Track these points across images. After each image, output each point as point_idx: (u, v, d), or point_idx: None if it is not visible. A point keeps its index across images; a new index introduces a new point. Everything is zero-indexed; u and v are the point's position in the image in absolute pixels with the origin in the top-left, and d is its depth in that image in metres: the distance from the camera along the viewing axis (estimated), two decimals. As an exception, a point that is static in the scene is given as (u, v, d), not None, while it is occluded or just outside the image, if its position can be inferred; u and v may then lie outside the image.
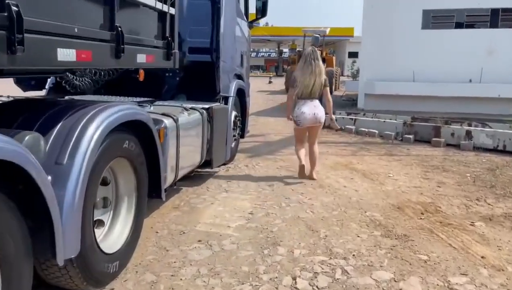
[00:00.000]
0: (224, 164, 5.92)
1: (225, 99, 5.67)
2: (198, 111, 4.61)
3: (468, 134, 7.72)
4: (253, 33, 30.91)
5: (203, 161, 4.82)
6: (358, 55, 18.58)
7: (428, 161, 6.65)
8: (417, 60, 11.78)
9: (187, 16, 5.20)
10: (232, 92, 5.77)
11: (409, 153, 7.28)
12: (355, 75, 17.92)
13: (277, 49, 57.98)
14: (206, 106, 4.89)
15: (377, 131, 8.82)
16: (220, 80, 5.20)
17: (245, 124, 6.90)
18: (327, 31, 23.02)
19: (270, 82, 31.89)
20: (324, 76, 5.52)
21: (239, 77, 6.52)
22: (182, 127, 3.97)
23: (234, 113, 6.11)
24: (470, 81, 11.61)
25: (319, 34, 22.14)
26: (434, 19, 11.91)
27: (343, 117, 9.78)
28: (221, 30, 5.23)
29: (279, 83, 26.88)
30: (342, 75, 33.56)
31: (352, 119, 9.53)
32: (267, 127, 10.12)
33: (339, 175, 5.72)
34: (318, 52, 5.73)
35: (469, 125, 8.29)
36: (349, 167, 6.19)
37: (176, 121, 3.89)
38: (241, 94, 6.56)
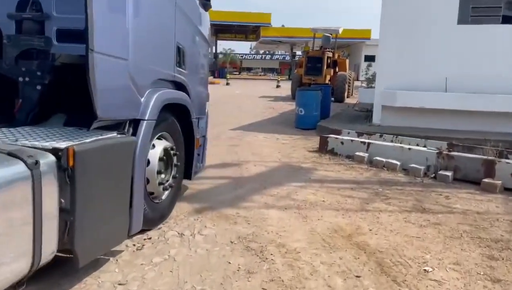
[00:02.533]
0: (144, 231, 3.48)
1: (136, 125, 3.21)
2: (24, 161, 2.15)
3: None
4: (264, 34, 28.26)
5: (50, 255, 2.38)
6: (375, 58, 16.03)
7: (486, 227, 4.05)
8: (450, 64, 9.15)
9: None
10: (147, 112, 3.29)
11: (450, 207, 4.69)
12: (370, 81, 15.24)
13: (290, 51, 55.73)
14: (63, 145, 2.44)
15: (399, 163, 6.24)
16: (97, 90, 2.67)
17: (193, 160, 4.41)
18: (340, 30, 20.43)
19: (278, 86, 29.39)
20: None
21: (179, 86, 4.07)
22: None
23: (162, 146, 3.65)
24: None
25: (330, 34, 19.58)
26: (475, 12, 9.25)
27: (351, 140, 7.20)
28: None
29: (288, 88, 24.35)
30: (357, 79, 30.88)
31: (364, 143, 6.95)
32: (250, 149, 7.61)
33: (334, 266, 3.16)
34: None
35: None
36: (354, 241, 3.64)
37: None
38: (184, 114, 4.10)
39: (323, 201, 4.73)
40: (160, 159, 3.62)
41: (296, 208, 4.42)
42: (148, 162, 3.43)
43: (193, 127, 4.29)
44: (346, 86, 19.06)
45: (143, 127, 3.22)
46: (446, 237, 3.78)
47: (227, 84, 30.19)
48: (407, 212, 4.43)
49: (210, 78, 36.26)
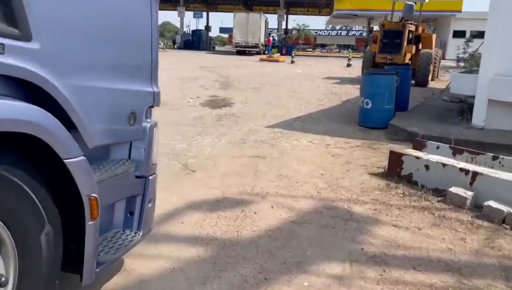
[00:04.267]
0: None
1: None
2: None
3: None
4: (338, 7, 24.49)
5: None
6: (466, 34, 12.33)
7: None
8: None
9: None
10: None
11: None
12: (467, 61, 11.70)
13: (367, 25, 51.12)
14: None
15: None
16: None
17: (85, 246, 1.96)
18: (427, -1, 16.67)
19: (348, 65, 26.01)
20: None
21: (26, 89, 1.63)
22: None
23: None
24: None
25: (414, 3, 15.96)
26: None
27: (443, 164, 4.31)
28: None
29: (359, 67, 21.03)
30: (443, 58, 26.48)
31: (465, 172, 4.06)
32: (281, 164, 5.01)
33: None
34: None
35: None
36: None
37: None
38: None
39: None
40: None
41: None
42: None
43: (76, 178, 1.83)
44: (431, 66, 15.47)
45: None
46: None
47: (292, 62, 27.33)
48: None
49: (276, 55, 33.59)
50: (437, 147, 4.94)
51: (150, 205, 2.57)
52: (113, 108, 2.16)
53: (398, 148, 5.86)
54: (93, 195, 1.92)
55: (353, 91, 12.87)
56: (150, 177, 2.54)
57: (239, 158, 5.27)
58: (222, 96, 10.88)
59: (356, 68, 22.70)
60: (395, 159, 4.67)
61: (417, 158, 4.49)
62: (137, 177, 2.43)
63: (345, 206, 3.85)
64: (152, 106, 2.52)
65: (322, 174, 4.75)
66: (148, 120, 2.51)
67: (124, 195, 2.40)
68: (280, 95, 11.53)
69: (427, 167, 4.36)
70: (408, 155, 4.61)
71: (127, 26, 2.21)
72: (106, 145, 2.22)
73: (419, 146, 5.10)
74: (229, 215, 3.56)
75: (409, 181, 4.47)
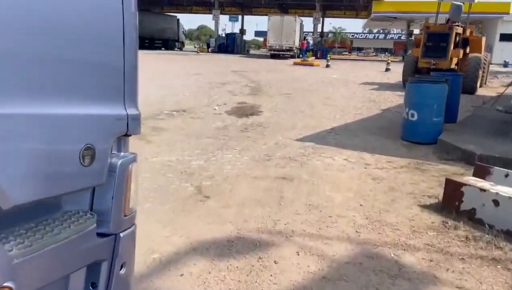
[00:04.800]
0: None
1: None
2: None
3: None
4: (377, 10, 23.37)
5: None
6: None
7: None
8: None
9: None
10: None
11: None
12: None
13: (406, 28, 49.30)
14: None
15: None
16: None
17: None
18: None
19: (387, 69, 24.80)
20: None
21: None
22: None
23: None
24: None
25: (462, 3, 14.73)
26: None
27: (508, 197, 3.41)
28: None
29: (399, 72, 19.86)
30: (491, 63, 24.85)
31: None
32: (311, 190, 4.20)
33: None
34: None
35: None
36: None
37: None
38: None
39: None
40: None
41: None
42: None
43: None
44: (480, 72, 14.20)
45: None
46: None
47: (327, 66, 26.32)
48: None
49: (311, 58, 32.63)
50: (506, 175, 4.00)
51: (123, 271, 1.83)
52: (51, 145, 1.44)
53: (453, 171, 4.94)
54: (6, 285, 1.20)
55: (393, 98, 11.87)
56: (122, 234, 1.80)
57: (262, 180, 4.50)
58: (250, 103, 10.15)
59: (395, 73, 21.56)
60: (453, 189, 3.77)
61: (483, 190, 3.58)
62: (101, 235, 1.71)
63: (392, 254, 3.01)
64: (127, 135, 1.80)
65: (361, 205, 3.92)
66: (122, 153, 1.78)
67: (81, 264, 1.68)
68: (312, 102, 10.69)
69: (496, 202, 3.45)
70: (469, 185, 3.70)
71: (75, 22, 1.49)
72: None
73: (482, 173, 4.16)
74: (242, 264, 2.80)
75: (472, 218, 3.57)
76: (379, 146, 6.27)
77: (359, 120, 8.54)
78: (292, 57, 35.26)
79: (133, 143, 6.31)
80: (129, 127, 1.73)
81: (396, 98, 11.83)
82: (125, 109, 1.70)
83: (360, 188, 4.41)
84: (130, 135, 1.77)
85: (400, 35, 73.72)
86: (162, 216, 3.52)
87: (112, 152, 1.71)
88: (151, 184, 4.25)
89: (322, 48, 43.97)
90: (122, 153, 1.75)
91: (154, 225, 3.32)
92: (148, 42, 47.96)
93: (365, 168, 5.16)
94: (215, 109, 8.92)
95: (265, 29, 40.17)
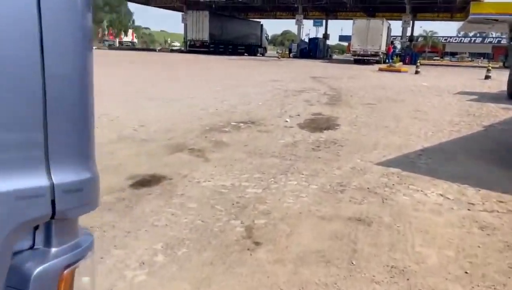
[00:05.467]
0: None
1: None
2: None
3: None
4: (475, 11, 21.02)
5: None
6: None
7: None
8: None
9: None
10: None
11: None
12: None
13: (508, 32, 44.55)
14: None
15: None
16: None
17: None
18: None
19: (487, 77, 22.22)
20: None
21: None
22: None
23: None
24: None
25: None
26: None
27: None
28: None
29: (501, 80, 17.54)
30: None
31: None
32: (393, 248, 3.17)
33: None
34: None
35: None
36: None
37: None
38: None
39: None
40: None
41: None
42: None
43: None
44: None
45: None
46: None
47: (416, 72, 24.27)
48: None
49: (398, 64, 30.49)
50: None
51: None
52: None
53: None
54: None
55: (498, 112, 10.15)
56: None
57: (331, 222, 3.55)
58: (327, 114, 9.16)
59: (497, 81, 19.21)
60: None
61: None
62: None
63: None
64: (53, 218, 0.98)
65: (466, 273, 2.82)
66: (52, 250, 0.97)
67: None
68: (399, 114, 9.41)
69: None
70: None
71: None
72: None
73: None
74: None
75: None
76: (486, 176, 4.98)
77: (456, 138, 7.17)
78: (378, 62, 33.38)
79: (189, 161, 5.44)
80: (57, 206, 0.91)
81: (501, 112, 10.11)
82: (50, 176, 0.88)
83: (464, 242, 3.28)
84: (53, 218, 0.95)
85: (500, 39, 67.67)
86: (196, 270, 2.74)
87: (28, 248, 0.91)
88: (194, 219, 3.50)
89: (411, 53, 41.25)
90: (53, 250, 0.93)
91: (181, 286, 2.55)
92: (232, 47, 48.59)
93: (469, 209, 3.97)
94: (287, 121, 8.08)
95: (350, 34, 38.60)
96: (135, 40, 71.43)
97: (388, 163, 5.44)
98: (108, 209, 3.66)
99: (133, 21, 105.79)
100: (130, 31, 73.32)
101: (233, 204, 3.89)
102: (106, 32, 69.29)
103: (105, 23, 72.04)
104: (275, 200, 4.02)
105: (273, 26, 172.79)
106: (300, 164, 5.24)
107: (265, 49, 57.00)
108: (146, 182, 4.40)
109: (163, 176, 4.59)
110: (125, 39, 69.67)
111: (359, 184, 4.57)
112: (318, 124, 8.01)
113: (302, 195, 4.19)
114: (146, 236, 3.18)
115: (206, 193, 4.15)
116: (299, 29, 48.24)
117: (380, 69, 26.69)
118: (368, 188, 4.46)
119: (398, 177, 4.89)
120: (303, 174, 4.84)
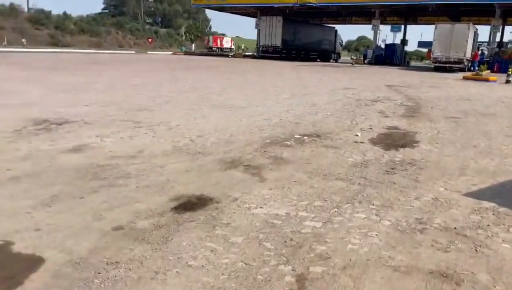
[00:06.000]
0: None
1: None
2: None
3: None
4: None
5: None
6: None
7: None
8: None
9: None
10: None
11: None
12: None
13: None
14: None
15: None
16: None
17: None
18: None
19: None
20: None
21: None
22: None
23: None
24: None
25: None
26: None
27: None
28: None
29: None
30: None
31: None
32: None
33: None
34: None
35: None
36: None
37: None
38: None
39: None
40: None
41: None
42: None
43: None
44: None
45: None
46: None
47: (507, 81, 21.92)
48: None
49: (486, 72, 27.89)
50: None
51: None
52: None
53: None
54: None
55: None
56: None
57: (406, 277, 2.79)
58: (403, 128, 8.19)
59: None
60: None
61: None
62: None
63: None
64: None
65: None
66: None
67: None
68: (489, 131, 8.18)
69: None
70: None
71: None
72: None
73: None
74: None
75: None
76: None
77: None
78: (462, 70, 30.92)
79: (243, 180, 4.59)
80: None
81: None
82: None
83: None
84: None
85: None
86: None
87: None
88: (237, 259, 2.92)
89: (500, 60, 37.78)
90: None
91: None
92: (304, 53, 47.87)
93: None
94: (357, 136, 7.27)
95: (431, 39, 36.19)
96: (233, 47, 73.35)
97: (480, 195, 4.49)
98: (141, 238, 3.19)
99: (210, 27, 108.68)
100: (228, 38, 75.44)
101: (285, 241, 3.25)
102: (184, 38, 71.57)
103: (182, 30, 74.59)
104: (337, 239, 3.32)
105: (348, 32, 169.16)
106: (370, 191, 4.47)
107: (338, 55, 55.54)
108: (190, 205, 3.90)
109: (210, 199, 4.07)
110: (226, 45, 71.66)
111: (443, 223, 3.71)
112: (393, 140, 7.10)
113: (372, 233, 3.44)
114: (176, 281, 2.64)
115: (256, 223, 3.55)
116: (375, 35, 46.31)
117: (465, 78, 24.54)
118: (455, 228, 3.60)
119: (494, 214, 3.95)
120: (373, 205, 4.08)
